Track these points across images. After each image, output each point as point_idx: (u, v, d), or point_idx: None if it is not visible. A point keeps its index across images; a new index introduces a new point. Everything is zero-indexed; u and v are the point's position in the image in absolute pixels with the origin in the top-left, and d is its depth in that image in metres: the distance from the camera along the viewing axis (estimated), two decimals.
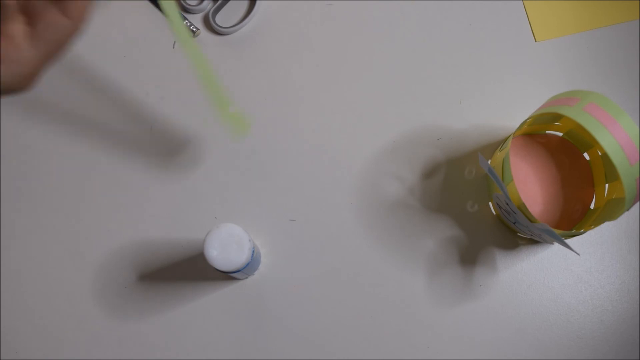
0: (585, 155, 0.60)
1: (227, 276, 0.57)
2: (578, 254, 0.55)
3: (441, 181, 0.60)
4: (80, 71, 0.64)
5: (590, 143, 0.58)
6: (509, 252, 0.59)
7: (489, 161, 0.60)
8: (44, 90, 0.63)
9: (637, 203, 0.59)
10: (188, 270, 0.58)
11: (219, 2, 0.65)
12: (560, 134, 0.60)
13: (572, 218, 0.58)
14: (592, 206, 0.59)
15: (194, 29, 0.64)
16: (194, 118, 0.62)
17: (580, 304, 0.58)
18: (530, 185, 0.59)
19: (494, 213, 0.59)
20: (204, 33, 0.65)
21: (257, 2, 0.65)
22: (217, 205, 0.60)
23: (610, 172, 0.56)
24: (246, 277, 0.58)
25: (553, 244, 0.58)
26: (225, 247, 0.49)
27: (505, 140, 0.59)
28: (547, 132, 0.61)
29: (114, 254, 0.59)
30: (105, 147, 0.62)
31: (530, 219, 0.51)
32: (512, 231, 0.59)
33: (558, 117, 0.57)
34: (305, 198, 0.60)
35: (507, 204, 0.52)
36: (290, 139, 0.62)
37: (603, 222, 0.52)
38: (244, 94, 0.63)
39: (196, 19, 0.65)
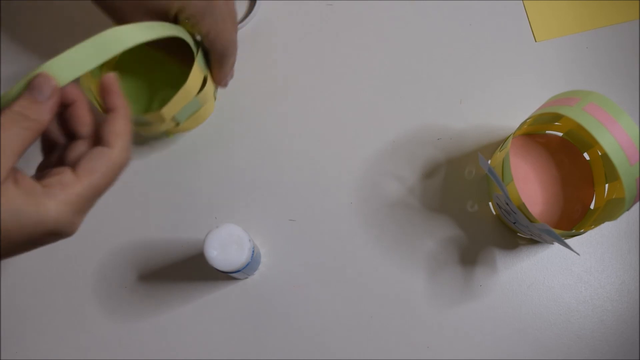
0: (585, 155, 0.60)
1: (227, 276, 0.57)
2: (578, 254, 0.55)
3: (441, 181, 0.60)
4: None
5: (590, 143, 0.58)
6: (509, 252, 0.59)
7: (489, 161, 0.60)
8: None
9: (637, 203, 0.59)
10: (188, 270, 0.58)
11: None
12: (560, 134, 0.60)
13: (572, 218, 0.58)
14: (592, 206, 0.59)
15: None
16: None
17: (580, 304, 0.58)
18: (530, 185, 0.59)
19: (494, 213, 0.59)
20: None
21: (257, 2, 0.65)
22: (217, 205, 0.60)
23: (610, 172, 0.56)
24: (246, 277, 0.58)
25: (553, 244, 0.58)
26: (225, 247, 0.49)
27: (505, 140, 0.59)
28: (547, 132, 0.61)
29: (113, 254, 0.59)
30: None
31: (530, 219, 0.51)
32: (512, 231, 0.59)
33: (558, 117, 0.57)
34: (305, 198, 0.60)
35: (507, 204, 0.52)
36: (289, 139, 0.62)
37: (603, 222, 0.52)
38: (243, 94, 0.63)
39: None
